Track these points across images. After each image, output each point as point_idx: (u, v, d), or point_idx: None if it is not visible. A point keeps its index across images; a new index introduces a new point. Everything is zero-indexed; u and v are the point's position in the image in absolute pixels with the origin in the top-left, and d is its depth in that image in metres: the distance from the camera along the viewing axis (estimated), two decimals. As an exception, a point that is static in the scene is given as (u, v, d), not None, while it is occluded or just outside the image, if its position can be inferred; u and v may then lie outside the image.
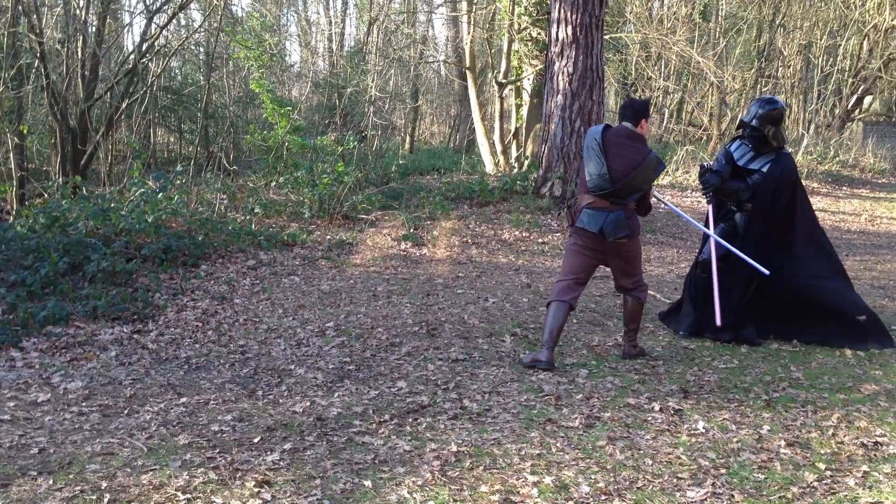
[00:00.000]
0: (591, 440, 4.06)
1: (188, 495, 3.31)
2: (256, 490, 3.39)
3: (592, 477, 3.62)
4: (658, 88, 20.68)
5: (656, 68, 20.54)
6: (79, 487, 3.37)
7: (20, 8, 11.08)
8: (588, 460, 3.81)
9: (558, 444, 4.00)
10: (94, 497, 3.29)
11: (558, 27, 10.87)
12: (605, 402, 4.63)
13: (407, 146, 22.95)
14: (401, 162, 13.58)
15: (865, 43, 22.47)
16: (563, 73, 10.86)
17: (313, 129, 17.13)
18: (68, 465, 3.60)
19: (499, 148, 15.90)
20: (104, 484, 3.40)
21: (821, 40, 22.02)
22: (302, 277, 7.69)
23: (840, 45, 22.29)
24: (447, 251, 9.08)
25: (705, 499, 3.43)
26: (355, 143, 12.44)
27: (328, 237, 9.16)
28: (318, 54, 24.78)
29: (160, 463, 3.62)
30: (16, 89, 10.68)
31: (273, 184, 10.36)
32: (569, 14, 10.72)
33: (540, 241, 9.79)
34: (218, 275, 7.47)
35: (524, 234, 9.96)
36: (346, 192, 10.09)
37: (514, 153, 15.81)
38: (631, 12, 19.26)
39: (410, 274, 8.03)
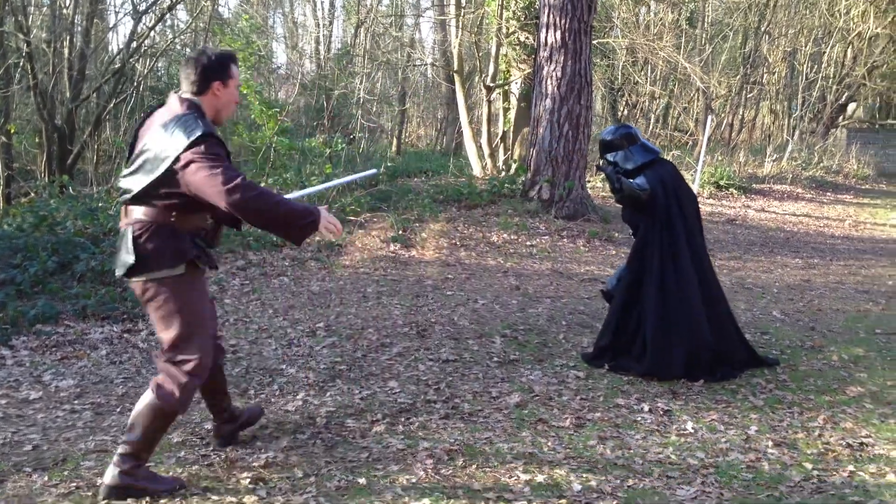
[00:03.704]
0: (581, 440, 4.11)
1: (183, 491, 3.33)
2: (252, 487, 3.41)
3: (584, 475, 3.66)
4: (644, 94, 20.82)
5: (643, 73, 20.67)
6: (74, 484, 3.38)
7: (7, 7, 11.03)
8: (579, 459, 3.85)
9: (549, 444, 4.04)
10: (90, 493, 3.30)
11: (547, 32, 10.95)
12: (594, 403, 4.68)
13: (394, 149, 22.97)
14: (389, 164, 13.60)
15: (850, 51, 22.74)
16: (551, 77, 10.94)
17: (301, 131, 17.13)
18: (63, 462, 3.60)
19: (486, 151, 15.94)
20: (99, 480, 3.39)
21: (805, 47, 22.24)
22: (291, 278, 7.70)
23: (825, 52, 22.53)
24: (436, 253, 9.11)
25: (695, 497, 3.49)
26: (343, 145, 12.45)
27: (317, 238, 9.16)
28: (305, 56, 24.75)
29: (155, 460, 3.63)
30: (2, 89, 10.61)
31: (262, 185, 10.32)
32: (557, 19, 10.80)
33: (528, 243, 9.84)
34: (207, 275, 7.45)
35: (512, 237, 10.01)
36: (335, 193, 10.08)
37: (501, 156, 15.86)
38: (618, 17, 19.36)
39: (400, 275, 8.05)
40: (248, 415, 3.97)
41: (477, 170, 15.32)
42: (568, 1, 10.66)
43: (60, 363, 5.11)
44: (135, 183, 3.23)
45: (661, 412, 4.54)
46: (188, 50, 17.13)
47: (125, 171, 3.33)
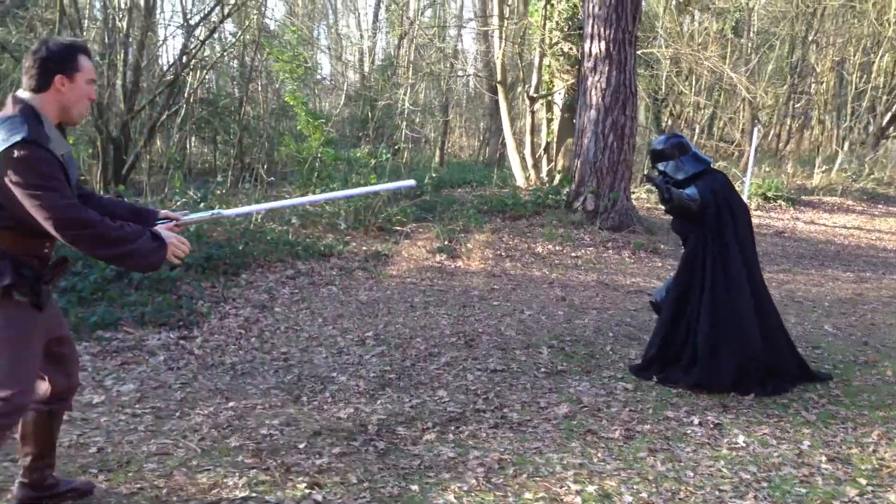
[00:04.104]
0: (631, 451, 4.13)
1: (244, 494, 3.42)
2: (308, 492, 3.49)
3: (634, 487, 3.68)
4: (689, 104, 20.67)
5: (687, 83, 20.53)
6: (138, 485, 3.49)
7: (65, 20, 11.37)
8: (629, 471, 3.87)
9: (599, 455, 4.07)
10: (153, 495, 3.41)
11: (591, 43, 10.97)
12: (644, 415, 4.69)
13: (437, 159, 23.11)
14: (433, 175, 13.71)
15: (900, 60, 22.30)
16: (596, 88, 10.95)
17: (346, 142, 17.34)
18: (126, 464, 3.72)
19: (529, 162, 15.97)
20: (161, 482, 3.52)
21: (854, 57, 21.88)
22: (340, 287, 7.82)
23: (874, 62, 22.14)
24: (481, 264, 9.17)
25: (747, 510, 3.48)
26: (388, 155, 12.58)
27: (364, 248, 9.29)
28: (349, 67, 25.04)
29: (214, 463, 3.74)
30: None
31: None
32: (602, 30, 10.82)
33: (573, 254, 9.85)
34: (258, 284, 7.61)
35: (557, 248, 10.03)
36: (381, 204, 10.22)
37: (544, 167, 15.88)
38: (662, 27, 19.28)
39: (446, 285, 8.13)
40: (66, 487, 3.34)
41: (520, 180, 15.36)
42: (612, 11, 10.69)
43: (121, 368, 5.26)
44: None
45: (712, 425, 4.53)
46: (235, 62, 17.48)
47: None
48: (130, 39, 12.10)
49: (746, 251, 5.28)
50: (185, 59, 11.83)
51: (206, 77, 15.43)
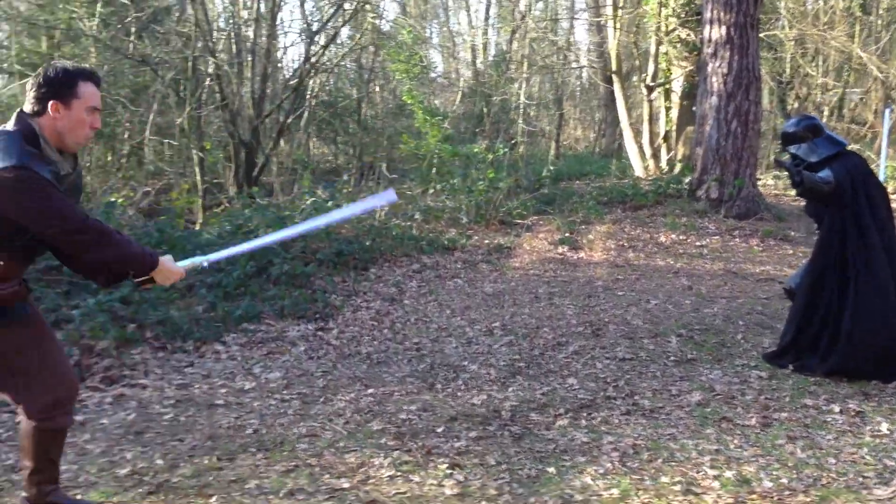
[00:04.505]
0: (769, 438, 4.09)
1: (389, 473, 3.63)
2: (449, 472, 3.66)
3: (774, 473, 3.66)
4: (816, 85, 19.82)
5: (813, 64, 19.68)
6: (293, 463, 3.75)
7: (197, 31, 12.06)
8: (768, 457, 3.85)
9: (735, 441, 4.05)
10: (307, 472, 3.66)
11: (711, 28, 10.74)
12: (780, 403, 4.63)
13: (552, 152, 23.06)
14: (550, 168, 13.75)
15: None
16: (717, 74, 10.72)
17: (461, 138, 17.60)
18: (280, 444, 4.00)
19: (648, 151, 15.76)
20: (314, 461, 3.76)
21: None
22: (465, 280, 8.00)
23: None
24: (604, 254, 9.17)
25: (892, 497, 3.41)
26: (505, 150, 12.70)
27: (486, 241, 9.46)
28: (463, 64, 25.30)
29: (359, 445, 3.96)
30: (197, 109, 11.63)
31: (431, 191, 10.79)
32: (722, 14, 10.58)
33: (698, 244, 9.69)
34: (386, 277, 7.90)
35: (681, 238, 9.89)
36: (502, 198, 10.37)
37: (664, 156, 15.63)
38: (785, 8, 18.57)
39: (569, 276, 8.18)
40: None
41: (639, 170, 15.18)
42: (734, -5, 10.43)
43: (267, 357, 5.61)
44: None
45: (853, 413, 4.43)
46: (352, 64, 18.02)
47: None
48: (258, 47, 12.71)
49: (886, 233, 5.10)
50: (307, 64, 12.33)
51: (327, 80, 15.99)
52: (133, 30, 11.95)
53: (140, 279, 2.97)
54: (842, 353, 4.98)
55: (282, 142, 15.49)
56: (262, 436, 4.13)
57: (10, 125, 2.80)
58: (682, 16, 14.52)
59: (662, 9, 14.62)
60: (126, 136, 12.41)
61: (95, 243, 2.79)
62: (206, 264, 3.20)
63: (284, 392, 4.89)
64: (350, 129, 16.67)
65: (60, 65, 2.90)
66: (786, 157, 5.41)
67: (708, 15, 10.81)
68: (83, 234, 2.76)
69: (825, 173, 5.10)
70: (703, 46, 11.04)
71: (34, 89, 2.83)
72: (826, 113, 20.60)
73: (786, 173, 5.33)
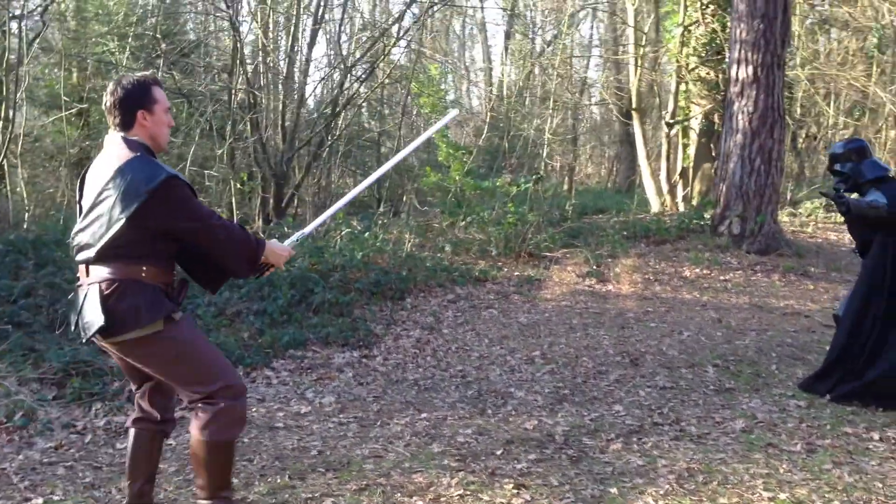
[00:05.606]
0: (816, 463, 4.25)
1: (458, 492, 3.79)
2: (515, 491, 3.83)
3: (826, 496, 3.82)
4: (826, 125, 20.09)
5: (826, 102, 19.96)
6: (363, 482, 3.92)
7: (237, 59, 12.36)
8: (818, 481, 4.01)
9: (784, 466, 4.21)
10: (379, 490, 3.82)
11: (738, 67, 11.02)
12: (822, 431, 4.79)
13: (566, 187, 23.32)
14: (573, 202, 13.99)
15: None
16: (742, 112, 10.98)
17: (480, 173, 17.86)
18: (347, 465, 4.17)
19: (665, 187, 15.98)
20: (383, 480, 3.94)
21: None
22: (499, 310, 8.20)
23: None
24: (631, 287, 9.36)
25: (944, 521, 3.57)
26: (528, 185, 12.93)
27: (516, 273, 9.66)
28: (479, 99, 25.71)
29: (424, 466, 4.14)
30: (231, 141, 11.91)
31: (462, 223, 11.01)
32: (749, 54, 10.86)
33: (722, 278, 9.88)
34: (422, 307, 8.09)
35: (705, 272, 10.08)
36: (531, 231, 10.59)
37: (679, 192, 15.84)
38: (798, 47, 18.89)
39: (601, 308, 8.37)
40: None
41: (655, 206, 15.40)
42: (761, 36, 10.72)
43: (316, 383, 5.80)
44: (94, 238, 2.96)
45: (893, 441, 4.59)
46: (378, 98, 18.35)
47: (79, 226, 3.03)
48: (292, 81, 13.03)
49: None
50: (341, 98, 12.65)
51: (357, 115, 16.31)
52: (161, 63, 12.26)
53: (260, 266, 3.25)
54: (884, 381, 5.12)
55: (311, 174, 15.79)
56: (327, 457, 4.30)
57: (120, 151, 2.99)
58: (704, 55, 14.84)
59: (684, 47, 14.95)
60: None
61: (226, 232, 3.06)
62: (306, 234, 3.62)
63: (341, 416, 5.07)
64: (370, 163, 16.96)
65: (131, 77, 3.10)
66: (829, 183, 5.59)
67: (735, 55, 11.09)
68: (219, 225, 3.04)
69: (872, 197, 5.24)
70: (730, 85, 11.31)
71: (118, 106, 3.04)
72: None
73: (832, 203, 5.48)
